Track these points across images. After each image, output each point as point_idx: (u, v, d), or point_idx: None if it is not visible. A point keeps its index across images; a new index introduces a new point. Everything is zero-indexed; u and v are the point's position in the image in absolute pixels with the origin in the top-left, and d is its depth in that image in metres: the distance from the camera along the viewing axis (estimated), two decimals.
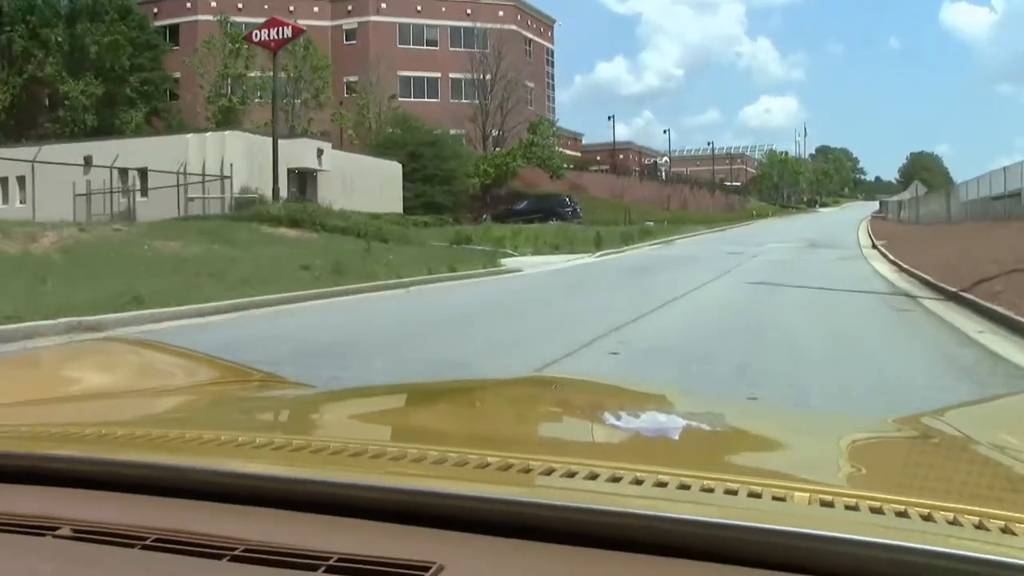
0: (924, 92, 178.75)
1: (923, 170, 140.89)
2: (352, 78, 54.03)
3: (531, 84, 66.15)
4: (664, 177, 76.79)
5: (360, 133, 50.61)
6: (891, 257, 23.33)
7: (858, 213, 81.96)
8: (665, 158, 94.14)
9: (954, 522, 0.69)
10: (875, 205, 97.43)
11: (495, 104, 56.34)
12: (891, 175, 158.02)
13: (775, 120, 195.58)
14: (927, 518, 0.70)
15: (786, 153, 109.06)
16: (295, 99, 48.15)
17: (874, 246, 31.44)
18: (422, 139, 47.24)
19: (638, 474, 0.79)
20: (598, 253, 26.74)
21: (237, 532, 0.73)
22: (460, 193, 47.80)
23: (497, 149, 54.21)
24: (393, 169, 42.55)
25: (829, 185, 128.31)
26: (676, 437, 1.23)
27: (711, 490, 0.76)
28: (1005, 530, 0.67)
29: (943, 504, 0.73)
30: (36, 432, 1.06)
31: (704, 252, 26.68)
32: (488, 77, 56.37)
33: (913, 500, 0.74)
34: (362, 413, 1.47)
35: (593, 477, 0.78)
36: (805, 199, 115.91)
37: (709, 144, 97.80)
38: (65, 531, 0.76)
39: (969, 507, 0.72)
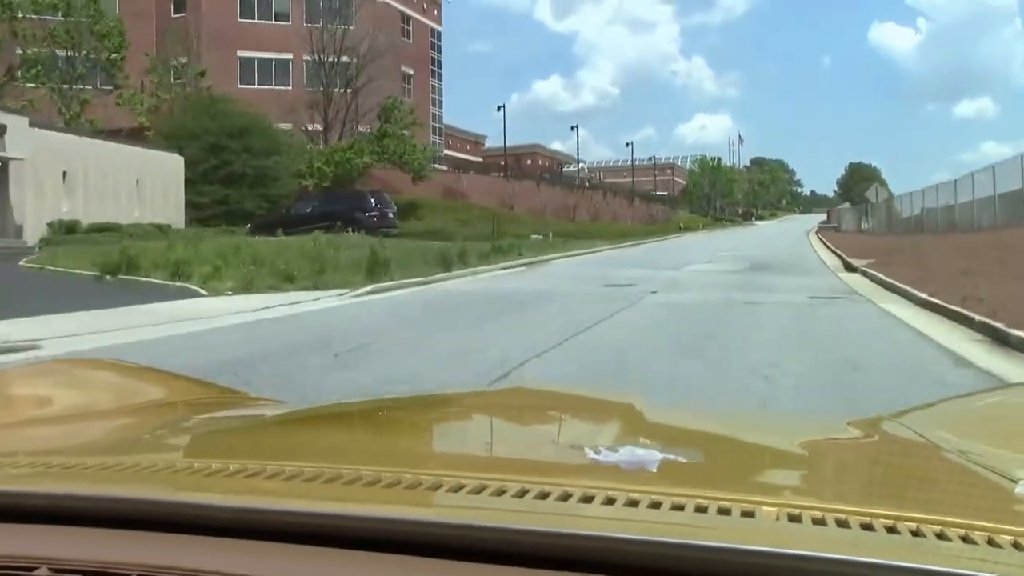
0: (856, 109, 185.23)
1: (863, 180, 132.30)
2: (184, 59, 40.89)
3: (409, 70, 53.85)
4: (584, 184, 65.01)
5: (156, 121, 37.21)
6: (920, 294, 11.08)
7: (801, 225, 72.28)
8: (582, 164, 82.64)
9: (917, 532, 0.70)
10: (816, 218, 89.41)
11: (353, 89, 43.49)
12: (827, 190, 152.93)
13: (710, 137, 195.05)
14: (891, 530, 0.71)
15: (719, 160, 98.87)
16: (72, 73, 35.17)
17: (850, 267, 19.73)
18: (228, 127, 34.35)
19: (609, 494, 0.78)
20: (363, 290, 14.14)
21: (220, 566, 0.71)
22: (283, 197, 35.00)
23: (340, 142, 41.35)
24: (167, 164, 29.67)
25: (766, 196, 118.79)
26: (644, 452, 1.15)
27: (681, 508, 0.75)
28: (966, 539, 0.69)
29: (906, 515, 0.74)
30: (5, 466, 1.00)
31: (577, 283, 15.51)
32: (350, 60, 43.54)
33: (877, 511, 0.75)
34: (322, 435, 1.39)
35: (565, 498, 0.77)
36: (740, 211, 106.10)
37: (629, 153, 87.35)
38: (43, 571, 0.74)
39: (931, 516, 0.74)
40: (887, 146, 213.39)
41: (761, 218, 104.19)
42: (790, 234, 50.02)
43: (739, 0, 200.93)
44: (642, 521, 0.73)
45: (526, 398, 1.94)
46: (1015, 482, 0.92)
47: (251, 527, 0.76)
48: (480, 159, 66.05)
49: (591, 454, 1.08)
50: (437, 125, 58.41)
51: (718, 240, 43.02)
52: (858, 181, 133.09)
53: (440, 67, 59.36)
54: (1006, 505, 0.89)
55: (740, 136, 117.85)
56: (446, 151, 58.31)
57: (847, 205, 62.15)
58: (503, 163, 60.64)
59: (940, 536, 0.69)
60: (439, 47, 59.47)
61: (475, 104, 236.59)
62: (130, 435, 1.33)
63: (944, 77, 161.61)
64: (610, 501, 0.76)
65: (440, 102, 58.91)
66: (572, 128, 73.40)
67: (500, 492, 0.79)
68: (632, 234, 51.58)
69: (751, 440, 1.39)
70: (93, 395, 1.67)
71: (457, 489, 0.80)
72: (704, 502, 0.76)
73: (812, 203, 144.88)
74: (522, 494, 0.78)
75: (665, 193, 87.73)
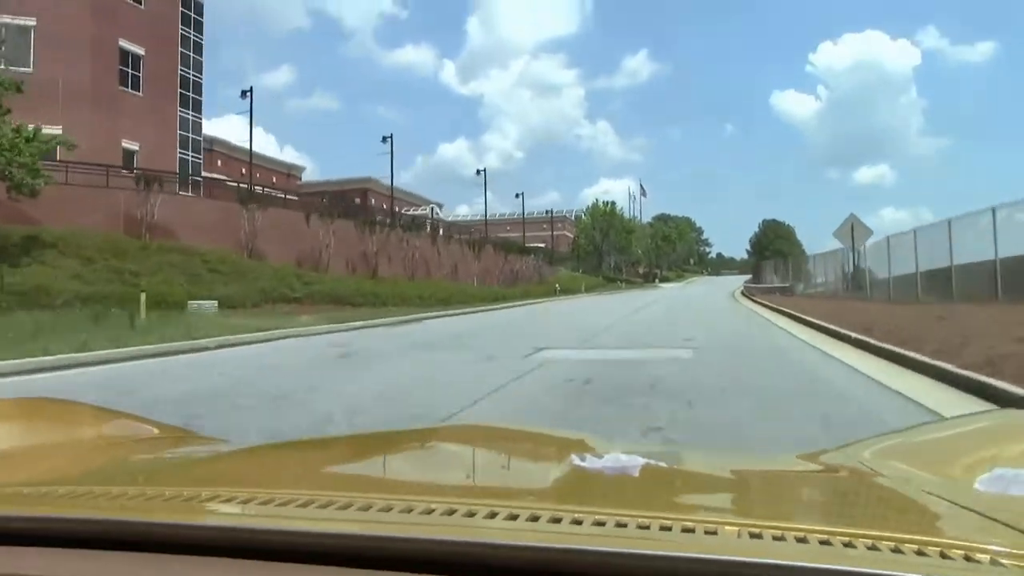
0: (761, 175, 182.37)
1: (778, 239, 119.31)
2: None
3: (140, 50, 34.61)
4: (440, 233, 46.13)
5: None
6: None
7: (719, 288, 54.82)
8: (432, 207, 63.79)
9: (873, 547, 0.73)
10: (728, 280, 76.87)
11: None
12: (735, 252, 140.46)
13: (615, 201, 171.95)
14: (848, 545, 0.74)
15: (612, 204, 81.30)
16: None
17: None
18: None
19: (576, 515, 0.81)
20: None
21: None
22: None
23: None
24: None
25: (671, 255, 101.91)
26: (607, 480, 1.18)
27: (647, 527, 0.78)
28: (920, 552, 0.72)
29: (860, 532, 0.77)
30: None
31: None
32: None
33: (834, 529, 0.78)
34: (288, 466, 1.43)
35: (534, 519, 0.80)
36: (641, 271, 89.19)
37: (527, 207, 68.93)
38: None
39: (884, 533, 0.77)
40: (793, 211, 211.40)
41: (666, 279, 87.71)
42: (715, 302, 32.31)
43: (643, 65, 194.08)
44: (603, 536, 0.76)
45: (481, 434, 2.03)
46: (952, 503, 0.98)
47: (220, 545, 0.78)
48: (295, 197, 46.39)
49: (560, 479, 1.18)
50: (192, 136, 38.98)
51: (597, 313, 24.24)
52: (772, 239, 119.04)
53: (201, 52, 40.01)
54: (942, 522, 0.97)
55: (643, 188, 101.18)
56: (254, 183, 38.34)
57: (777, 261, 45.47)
58: (324, 200, 41.35)
59: (895, 550, 0.72)
60: (202, 24, 40.28)
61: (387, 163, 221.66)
62: (82, 467, 1.34)
63: (845, 144, 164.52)
64: (577, 522, 0.80)
65: (199, 103, 39.47)
66: (478, 172, 54.26)
67: (450, 512, 0.82)
68: (468, 299, 32.74)
69: (707, 471, 1.46)
70: (36, 433, 1.61)
71: (449, 512, 0.82)
72: (667, 522, 0.79)
73: (720, 265, 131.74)
74: (471, 515, 0.81)
75: (542, 245, 69.19)
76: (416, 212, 54.17)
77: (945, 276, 21.31)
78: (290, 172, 55.75)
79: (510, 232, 66.35)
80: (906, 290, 24.25)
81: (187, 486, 1.02)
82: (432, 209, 62.57)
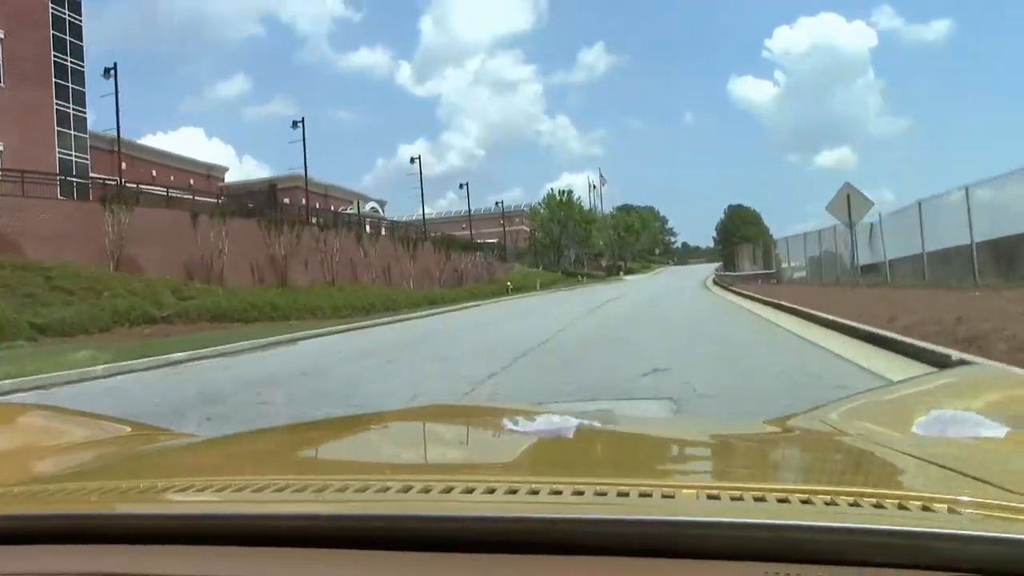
0: (723, 163, 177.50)
1: (745, 224, 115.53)
2: None
3: None
4: (377, 230, 40.92)
5: None
6: None
7: (687, 279, 50.30)
8: (373, 204, 58.55)
9: (831, 502, 0.74)
10: (696, 269, 74.19)
11: None
12: (701, 241, 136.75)
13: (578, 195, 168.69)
14: (806, 502, 0.74)
15: (569, 192, 75.92)
16: None
17: None
18: None
19: (532, 485, 0.82)
20: None
21: (156, 570, 0.75)
22: None
23: None
24: None
25: (635, 246, 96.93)
26: (564, 449, 1.20)
27: (604, 493, 0.79)
28: (878, 505, 0.73)
29: (820, 488, 0.78)
30: None
31: None
32: None
33: (793, 487, 0.80)
34: (267, 452, 1.45)
35: (491, 491, 0.81)
36: (604, 264, 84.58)
37: (491, 204, 63.86)
38: None
39: (842, 489, 0.78)
40: (756, 197, 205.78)
41: (631, 271, 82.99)
42: (692, 300, 27.62)
43: (600, 58, 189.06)
44: (561, 504, 0.77)
45: (454, 413, 2.14)
46: (913, 457, 0.99)
47: (191, 534, 0.79)
48: (216, 200, 40.80)
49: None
50: (76, 133, 33.47)
51: (536, 319, 19.21)
52: (739, 225, 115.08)
53: (79, 38, 34.41)
54: (902, 475, 0.99)
55: (602, 176, 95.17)
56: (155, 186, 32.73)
57: (786, 236, 40.89)
58: (251, 205, 35.86)
59: (853, 504, 0.73)
60: (79, 5, 34.70)
61: (349, 169, 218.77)
62: (54, 467, 1.35)
63: (805, 128, 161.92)
64: (534, 492, 0.80)
65: (81, 95, 33.92)
66: (412, 160, 49.63)
67: (423, 489, 0.83)
68: (386, 305, 27.78)
69: (669, 435, 1.50)
70: (23, 437, 1.65)
71: (404, 489, 0.84)
72: (625, 488, 0.79)
73: (686, 255, 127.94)
74: (448, 490, 0.82)
75: (494, 241, 64.06)
76: (350, 210, 48.77)
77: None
78: (210, 173, 50.08)
79: (465, 230, 61.18)
80: (929, 271, 19.63)
81: (162, 477, 1.03)
82: (372, 207, 57.29)
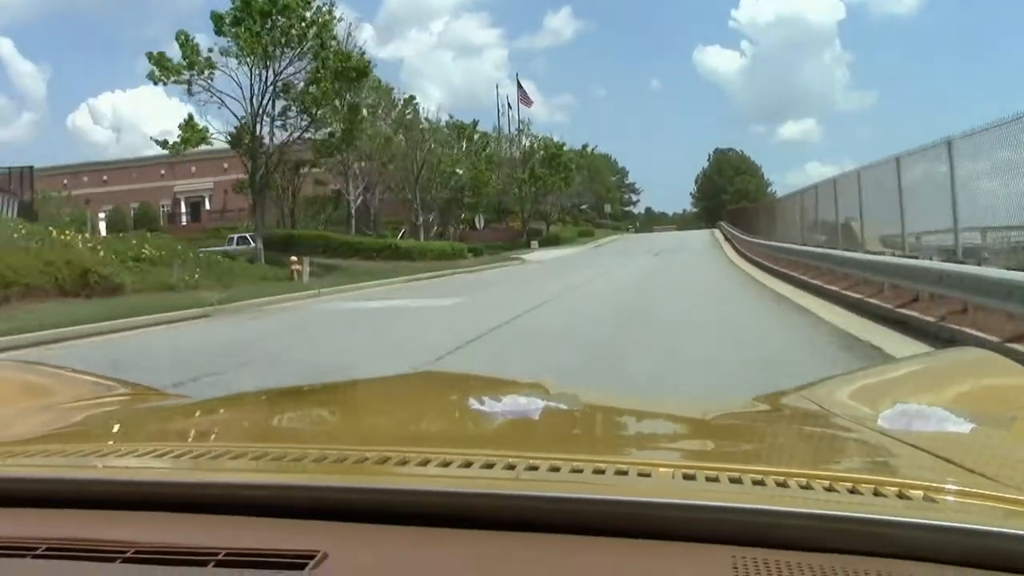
0: (688, 132, 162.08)
1: (739, 174, 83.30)
2: None
3: None
4: None
5: None
6: None
7: (665, 279, 16.92)
8: None
9: (807, 486, 0.74)
10: (668, 238, 50.81)
11: None
12: (666, 208, 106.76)
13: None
14: (782, 484, 0.74)
15: (413, 98, 42.05)
16: None
17: None
18: None
19: (510, 460, 0.83)
20: None
21: (128, 536, 0.74)
22: None
23: None
24: None
25: (569, 193, 57.95)
26: (549, 424, 1.21)
27: (580, 471, 0.80)
28: (853, 491, 0.73)
29: (796, 471, 0.78)
30: None
31: None
32: None
33: (770, 469, 0.79)
34: (242, 419, 1.46)
35: (468, 464, 0.82)
36: (511, 225, 50.76)
37: None
38: (42, 551, 0.75)
39: (818, 472, 0.78)
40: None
41: (555, 240, 49.48)
42: None
43: (567, 24, 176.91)
44: (532, 482, 0.77)
45: (442, 381, 2.10)
46: (894, 439, 0.97)
47: (155, 500, 0.80)
48: None
49: (502, 426, 1.15)
50: None
51: None
52: (732, 176, 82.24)
53: None
54: (882, 460, 0.97)
55: (521, 88, 60.36)
56: None
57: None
58: None
59: (828, 489, 0.72)
60: None
61: None
62: (38, 427, 1.34)
63: (770, 99, 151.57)
64: (511, 467, 0.81)
65: None
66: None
67: (416, 462, 0.84)
68: None
69: (655, 413, 1.47)
70: (9, 395, 1.62)
71: (381, 461, 0.85)
72: (602, 465, 0.80)
73: (652, 221, 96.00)
74: (425, 463, 0.83)
75: None
76: None
77: None
78: None
79: None
80: None
81: (140, 441, 1.05)
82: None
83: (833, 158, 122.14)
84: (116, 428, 1.36)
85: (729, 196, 71.98)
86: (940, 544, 0.64)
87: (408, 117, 38.27)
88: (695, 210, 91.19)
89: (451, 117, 41.41)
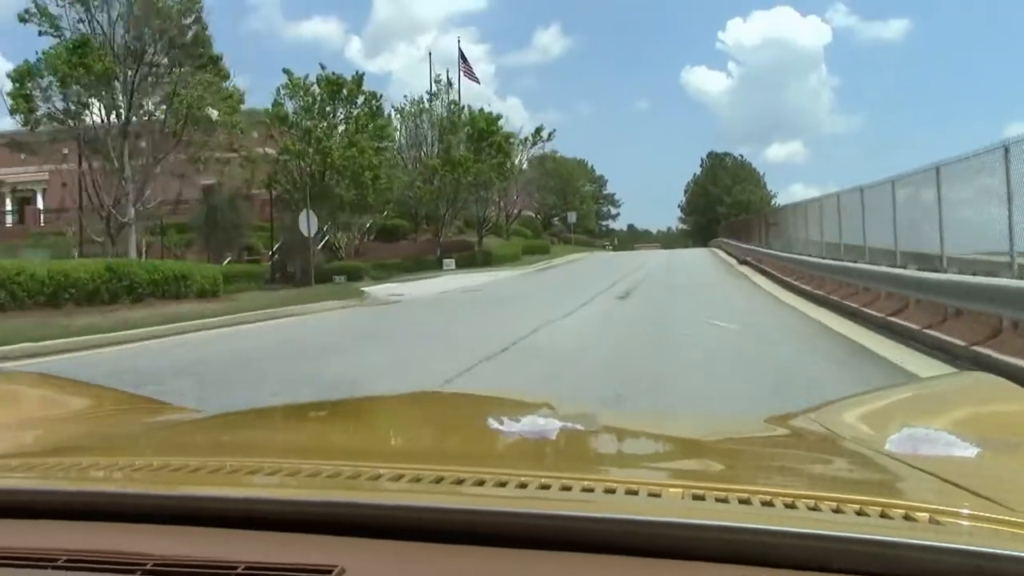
0: (675, 151, 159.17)
1: (737, 182, 70.65)
2: None
3: None
4: None
5: None
6: None
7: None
8: None
9: (815, 507, 0.75)
10: (650, 259, 37.84)
11: None
12: (649, 225, 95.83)
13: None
14: (790, 505, 0.75)
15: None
16: None
17: None
18: None
19: (522, 478, 0.83)
20: None
21: (147, 548, 0.74)
22: None
23: None
24: None
25: (500, 184, 39.96)
26: (560, 443, 1.20)
27: (591, 490, 0.80)
28: (860, 512, 0.74)
29: (804, 493, 0.79)
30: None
31: None
32: None
33: (779, 490, 0.79)
34: (256, 434, 1.46)
35: (480, 483, 0.83)
36: (436, 235, 34.33)
37: None
38: (62, 562, 0.76)
39: (826, 494, 0.78)
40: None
41: (487, 259, 34.54)
42: None
43: (555, 40, 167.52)
44: (543, 500, 0.78)
45: (452, 400, 2.11)
46: (901, 463, 0.97)
47: (174, 514, 0.80)
48: None
49: (511, 444, 1.14)
50: None
51: None
52: (729, 185, 69.32)
53: None
54: (891, 484, 0.97)
55: (463, 56, 44.89)
56: None
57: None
58: None
59: (836, 511, 0.73)
60: None
61: None
62: (56, 440, 1.33)
63: (757, 121, 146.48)
64: (523, 486, 0.82)
65: None
66: None
67: (414, 479, 0.85)
68: None
69: (664, 433, 1.46)
70: (27, 407, 1.63)
71: (396, 478, 0.85)
72: (613, 485, 0.81)
73: (633, 239, 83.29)
74: (438, 480, 0.84)
75: None
76: None
77: None
78: None
79: None
80: None
81: (157, 456, 1.04)
82: None
83: (817, 180, 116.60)
84: (132, 441, 1.35)
85: (726, 208, 59.44)
86: (946, 566, 0.64)
87: None
88: (684, 227, 78.34)
89: (323, 68, 27.65)
